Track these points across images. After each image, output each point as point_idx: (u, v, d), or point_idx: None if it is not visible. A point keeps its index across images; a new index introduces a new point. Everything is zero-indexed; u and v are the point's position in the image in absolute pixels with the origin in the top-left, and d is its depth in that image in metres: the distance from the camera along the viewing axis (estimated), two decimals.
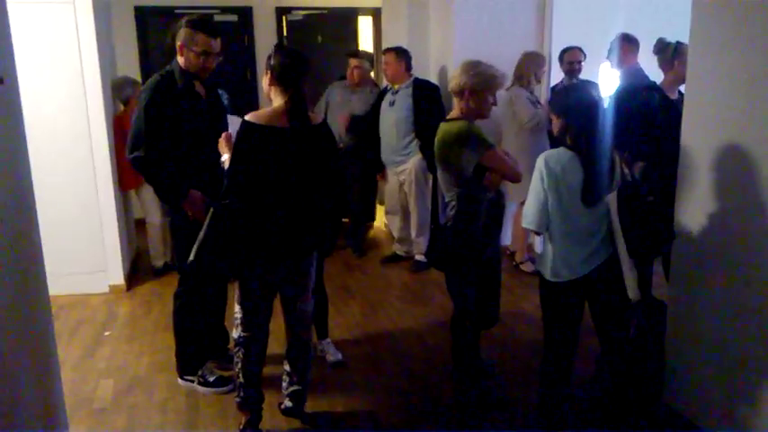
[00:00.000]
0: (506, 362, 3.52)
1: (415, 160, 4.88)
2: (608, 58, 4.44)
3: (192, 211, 2.93)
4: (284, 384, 2.95)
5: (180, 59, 2.95)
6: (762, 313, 2.43)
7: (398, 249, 5.27)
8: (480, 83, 2.81)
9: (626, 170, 2.56)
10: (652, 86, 3.86)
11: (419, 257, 4.98)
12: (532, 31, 5.17)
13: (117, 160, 4.66)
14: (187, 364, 3.26)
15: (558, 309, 2.65)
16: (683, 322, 2.86)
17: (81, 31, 4.26)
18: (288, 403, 2.94)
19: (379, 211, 6.04)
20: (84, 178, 4.44)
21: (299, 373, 2.89)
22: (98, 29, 4.35)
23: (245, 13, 6.60)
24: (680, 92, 3.64)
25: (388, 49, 5.03)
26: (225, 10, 6.54)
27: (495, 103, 2.91)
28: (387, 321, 4.10)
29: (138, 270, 5.08)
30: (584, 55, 4.99)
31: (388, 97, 4.97)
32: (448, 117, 2.95)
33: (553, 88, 5.13)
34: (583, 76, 5.00)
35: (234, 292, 2.74)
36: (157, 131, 2.88)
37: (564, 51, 5.04)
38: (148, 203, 4.90)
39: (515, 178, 2.88)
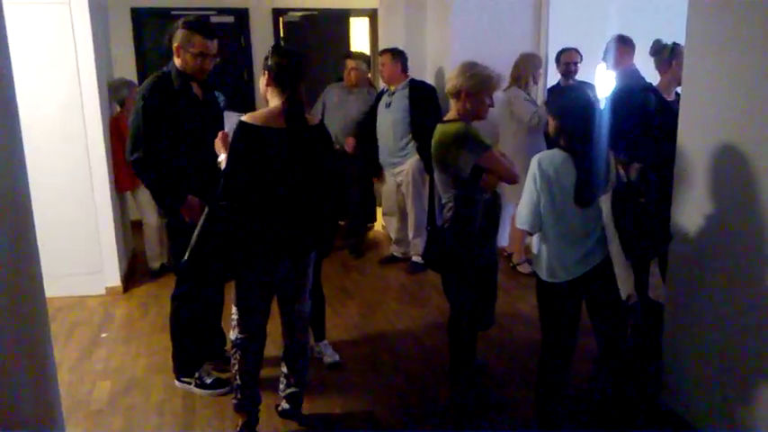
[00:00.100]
0: (504, 363, 3.53)
1: (412, 162, 4.88)
2: (604, 59, 4.46)
3: (189, 216, 2.93)
4: (281, 386, 2.95)
5: (177, 61, 2.95)
6: (759, 314, 2.43)
7: (396, 251, 5.27)
8: (477, 84, 2.81)
9: (621, 171, 2.57)
10: (648, 88, 3.87)
11: (416, 259, 4.98)
12: (529, 32, 5.18)
13: (113, 161, 4.65)
14: (184, 365, 3.25)
15: (555, 309, 2.65)
16: (679, 323, 2.86)
17: (77, 32, 4.25)
18: (285, 405, 2.94)
19: (377, 212, 6.04)
20: (81, 179, 4.43)
21: (297, 375, 2.89)
22: (94, 30, 4.35)
23: (242, 15, 6.60)
24: (676, 93, 3.65)
25: (385, 51, 5.03)
26: (221, 11, 6.54)
27: (491, 105, 2.92)
28: (384, 322, 4.10)
29: (134, 272, 5.07)
30: (581, 56, 5.00)
31: (385, 99, 4.97)
32: (445, 118, 2.95)
33: (550, 89, 5.14)
34: (579, 77, 5.01)
35: (231, 293, 2.74)
36: (155, 133, 2.88)
37: (560, 53, 5.05)
38: (145, 205, 4.88)
39: (512, 179, 2.89)
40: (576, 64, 4.99)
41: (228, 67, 6.30)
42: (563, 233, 2.54)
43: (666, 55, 3.70)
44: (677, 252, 2.84)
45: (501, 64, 3.11)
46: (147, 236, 4.97)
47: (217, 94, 3.34)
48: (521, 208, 2.60)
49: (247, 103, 6.36)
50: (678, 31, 2.94)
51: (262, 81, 2.60)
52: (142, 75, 6.05)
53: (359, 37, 7.37)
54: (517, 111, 4.66)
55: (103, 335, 3.96)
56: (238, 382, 2.74)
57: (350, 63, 5.22)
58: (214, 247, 2.53)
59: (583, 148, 2.47)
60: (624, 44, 4.31)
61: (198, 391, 3.21)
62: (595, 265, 2.53)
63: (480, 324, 3.11)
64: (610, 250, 2.46)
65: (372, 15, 6.86)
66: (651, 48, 3.80)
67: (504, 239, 5.07)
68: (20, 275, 2.00)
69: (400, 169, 4.96)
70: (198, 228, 2.57)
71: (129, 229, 5.25)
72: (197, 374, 3.23)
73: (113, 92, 4.83)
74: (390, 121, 4.89)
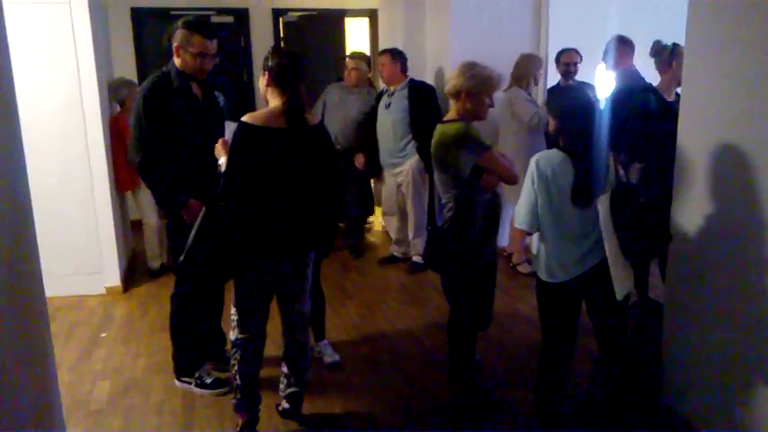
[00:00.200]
0: (504, 363, 3.53)
1: (412, 162, 4.88)
2: (603, 59, 4.46)
3: (189, 218, 2.93)
4: (281, 386, 2.95)
5: (176, 60, 2.95)
6: (759, 314, 2.43)
7: (395, 251, 5.28)
8: (477, 84, 2.81)
9: (621, 172, 2.57)
10: (648, 88, 3.88)
11: (416, 259, 4.99)
12: (529, 32, 5.19)
13: (113, 161, 4.65)
14: (184, 365, 3.25)
15: (555, 309, 2.65)
16: (679, 323, 2.87)
17: (77, 32, 4.25)
18: (285, 405, 2.94)
19: (377, 212, 6.03)
20: (81, 179, 4.43)
21: (297, 375, 2.89)
22: (94, 30, 4.35)
23: (242, 15, 6.59)
24: (677, 93, 3.65)
25: (384, 51, 5.04)
26: (221, 11, 6.53)
27: (491, 105, 2.92)
28: (384, 322, 4.10)
29: (134, 272, 5.08)
30: (581, 57, 5.00)
31: (384, 99, 4.97)
32: (445, 119, 2.95)
33: (550, 90, 5.14)
34: (579, 77, 5.02)
35: (231, 293, 2.73)
36: (156, 133, 2.88)
37: (560, 53, 5.05)
38: (145, 205, 4.88)
39: (512, 180, 2.89)
40: (575, 64, 4.99)
41: (228, 67, 6.29)
42: (561, 233, 2.54)
43: (666, 55, 3.70)
44: (677, 252, 2.84)
45: (501, 64, 3.11)
46: (147, 236, 4.98)
47: (216, 94, 3.34)
48: (519, 208, 2.60)
49: (247, 103, 6.36)
50: (678, 31, 2.94)
51: (261, 81, 2.61)
52: (142, 75, 6.05)
53: (359, 37, 7.37)
54: (518, 111, 4.66)
55: (103, 335, 3.96)
56: (238, 381, 2.74)
57: (350, 63, 5.22)
58: (211, 247, 2.53)
59: (582, 148, 2.47)
60: (624, 45, 4.31)
61: (198, 390, 3.21)
62: (594, 264, 2.53)
63: (478, 324, 3.11)
64: (606, 251, 2.45)
65: (372, 15, 6.85)
66: (651, 48, 3.80)
67: (503, 239, 5.07)
68: (20, 275, 2.00)
69: (400, 169, 4.96)
70: (195, 228, 2.57)
71: (128, 229, 5.25)
72: (197, 374, 3.23)
73: (113, 92, 4.84)
74: (390, 121, 4.89)
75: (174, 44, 2.92)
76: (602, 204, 2.44)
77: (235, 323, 2.71)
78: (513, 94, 4.69)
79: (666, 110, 3.48)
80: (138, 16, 6.35)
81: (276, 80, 2.53)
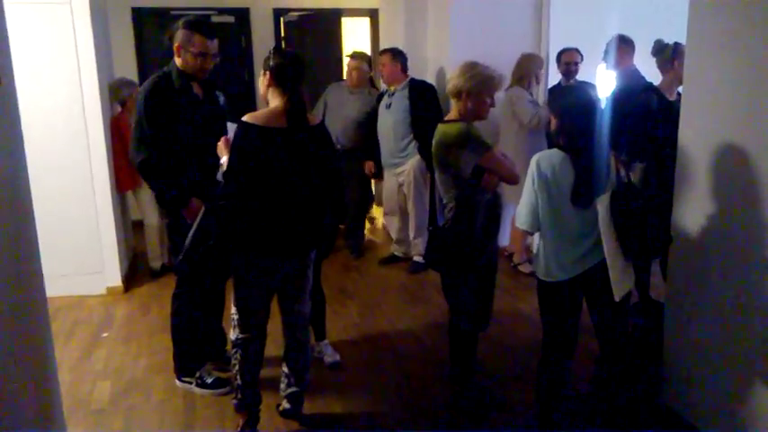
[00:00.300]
0: (504, 363, 3.53)
1: (413, 162, 4.88)
2: (604, 59, 4.46)
3: (190, 217, 2.93)
4: (282, 386, 2.95)
5: (177, 60, 2.95)
6: (760, 313, 2.43)
7: (396, 250, 5.27)
8: (478, 84, 2.81)
9: (622, 172, 2.57)
10: (649, 87, 3.87)
11: (417, 258, 4.99)
12: (530, 32, 5.18)
13: (114, 161, 4.66)
14: (185, 365, 3.26)
15: (555, 308, 2.65)
16: (680, 323, 2.86)
17: (78, 32, 4.26)
18: (286, 405, 2.94)
19: (377, 212, 6.03)
20: (82, 179, 4.44)
21: (297, 375, 2.89)
22: (95, 30, 4.35)
23: (243, 15, 6.59)
24: (678, 93, 3.64)
25: (384, 51, 5.03)
26: (222, 11, 6.53)
27: (492, 105, 2.91)
28: (384, 322, 4.10)
29: (135, 272, 5.08)
30: (581, 56, 5.00)
31: (385, 100, 4.97)
32: (446, 119, 2.95)
33: (551, 89, 5.14)
34: (580, 77, 5.01)
35: (231, 293, 2.74)
36: (158, 133, 2.88)
37: (561, 52, 5.05)
38: (146, 205, 4.89)
39: (513, 180, 2.88)
40: (576, 64, 4.99)
41: (228, 67, 6.29)
42: (561, 233, 2.54)
43: (668, 55, 3.70)
44: (678, 252, 2.84)
45: (501, 64, 3.11)
46: (148, 236, 4.97)
47: (217, 93, 3.34)
48: (520, 208, 2.60)
49: (248, 103, 6.35)
50: (679, 30, 2.94)
51: (262, 81, 2.61)
52: (143, 74, 6.05)
53: (360, 37, 7.37)
54: (518, 111, 4.66)
55: (104, 335, 3.96)
56: (239, 381, 2.75)
57: (351, 63, 5.21)
58: (209, 247, 2.53)
59: (583, 147, 2.46)
60: (624, 44, 4.31)
61: (199, 390, 3.22)
62: (594, 264, 2.53)
63: (478, 325, 3.11)
64: (605, 251, 2.45)
65: (373, 15, 6.85)
66: (653, 48, 3.79)
67: (504, 239, 5.07)
68: (20, 275, 2.01)
69: (401, 169, 4.95)
70: (193, 227, 2.57)
71: (129, 229, 5.25)
72: (198, 374, 3.23)
73: (114, 92, 4.83)
74: (391, 122, 4.88)
75: (175, 44, 2.93)
76: (602, 205, 2.43)
77: (235, 323, 2.72)
78: (514, 93, 4.68)
79: (668, 109, 3.48)
80: (139, 16, 6.35)
81: (277, 80, 2.53)
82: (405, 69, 4.92)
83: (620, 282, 2.47)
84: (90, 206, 4.48)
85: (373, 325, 4.06)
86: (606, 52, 4.40)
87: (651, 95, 3.75)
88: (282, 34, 6.73)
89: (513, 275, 4.81)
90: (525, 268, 4.81)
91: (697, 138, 2.69)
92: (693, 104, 2.72)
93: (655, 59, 3.81)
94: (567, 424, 2.82)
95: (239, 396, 2.78)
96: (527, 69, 4.71)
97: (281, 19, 6.70)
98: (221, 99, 3.22)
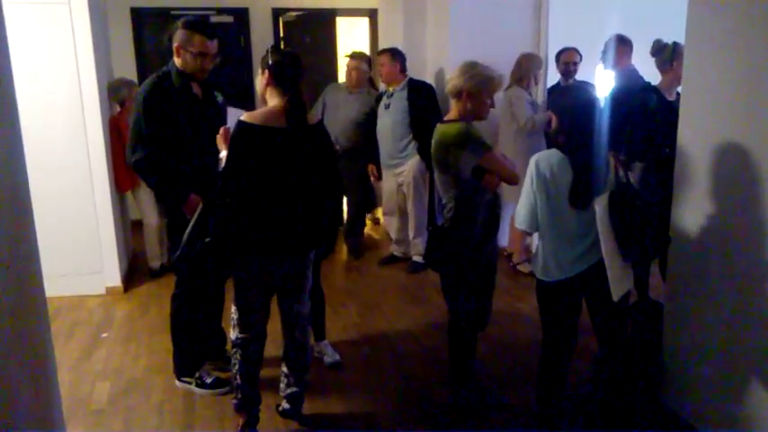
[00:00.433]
0: (504, 363, 3.53)
1: (413, 162, 4.87)
2: (602, 59, 4.46)
3: (191, 215, 2.93)
4: (282, 386, 2.95)
5: (176, 60, 2.95)
6: (759, 314, 2.43)
7: (396, 251, 5.27)
8: (477, 84, 2.81)
9: (621, 172, 2.57)
10: (647, 87, 3.87)
11: (416, 258, 4.99)
12: (529, 32, 5.18)
13: (113, 161, 4.65)
14: (184, 365, 3.25)
15: (553, 308, 2.65)
16: (679, 323, 2.87)
17: (77, 32, 4.25)
18: (285, 405, 2.94)
19: (379, 213, 6.03)
20: (81, 179, 4.43)
21: (297, 375, 2.89)
22: (94, 30, 4.34)
23: (242, 14, 6.59)
24: (678, 93, 3.64)
25: (383, 51, 5.03)
26: (221, 11, 6.53)
27: (492, 105, 2.91)
28: (384, 322, 4.10)
29: (134, 272, 5.07)
30: (581, 56, 5.00)
31: (384, 100, 4.96)
32: (445, 119, 2.94)
33: (550, 89, 5.14)
34: (579, 77, 5.02)
35: (231, 293, 2.73)
36: (156, 133, 2.88)
37: (560, 52, 5.05)
38: (145, 205, 4.89)
39: (513, 180, 2.88)
40: (575, 64, 4.99)
41: (228, 66, 6.29)
42: (560, 233, 2.54)
43: (667, 55, 3.70)
44: (677, 252, 2.84)
45: (501, 64, 3.11)
46: (148, 236, 4.97)
47: (215, 93, 3.34)
48: (519, 208, 2.60)
49: (247, 103, 6.34)
50: (678, 30, 2.94)
51: (260, 81, 2.60)
52: (142, 74, 6.04)
53: (359, 37, 7.36)
54: (515, 112, 4.65)
55: (103, 335, 3.96)
56: (239, 381, 2.74)
57: (351, 63, 5.21)
58: (205, 245, 2.53)
59: (582, 147, 2.46)
60: (623, 44, 4.31)
61: (198, 390, 3.21)
62: (593, 264, 2.53)
63: (477, 325, 3.11)
64: (603, 252, 2.45)
65: (372, 15, 6.85)
66: (652, 47, 3.79)
67: (504, 239, 5.08)
68: (20, 275, 2.00)
69: (401, 170, 4.95)
70: (190, 225, 2.57)
71: (129, 229, 5.25)
72: (197, 374, 3.23)
73: (113, 92, 4.83)
74: (390, 122, 4.88)
75: (175, 44, 2.92)
76: (600, 205, 2.43)
77: (235, 322, 2.72)
78: (514, 94, 4.68)
79: (667, 109, 3.48)
80: (138, 16, 6.35)
81: (276, 79, 2.53)
82: (403, 69, 4.92)
83: (619, 282, 2.47)
84: (89, 206, 4.48)
85: (373, 325, 4.06)
86: (604, 52, 4.40)
87: (649, 95, 3.75)
88: (281, 34, 6.73)
89: (513, 275, 4.81)
90: (524, 268, 4.81)
91: (696, 138, 2.69)
92: (692, 104, 2.72)
93: (654, 59, 3.81)
94: (567, 424, 2.82)
95: (239, 396, 2.77)
96: (526, 69, 4.71)
97: (280, 19, 6.70)
98: (220, 99, 3.22)
